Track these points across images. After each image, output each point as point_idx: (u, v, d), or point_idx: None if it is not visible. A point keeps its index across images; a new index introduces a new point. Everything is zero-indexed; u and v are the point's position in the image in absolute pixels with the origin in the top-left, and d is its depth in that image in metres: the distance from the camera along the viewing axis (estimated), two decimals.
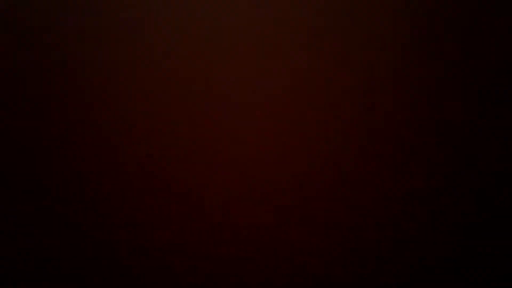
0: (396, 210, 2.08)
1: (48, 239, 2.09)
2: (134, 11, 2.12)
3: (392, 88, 2.10)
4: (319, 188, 2.08)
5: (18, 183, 2.10)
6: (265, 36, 2.11)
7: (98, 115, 2.11)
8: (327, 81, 2.10)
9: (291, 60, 2.11)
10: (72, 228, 2.09)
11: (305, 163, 2.09)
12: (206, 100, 2.11)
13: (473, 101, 2.09)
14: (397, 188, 2.08)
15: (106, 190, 2.10)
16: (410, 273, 2.07)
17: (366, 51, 2.10)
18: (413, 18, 2.10)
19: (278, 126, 2.10)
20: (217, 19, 2.12)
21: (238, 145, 2.10)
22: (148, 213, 2.09)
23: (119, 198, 2.09)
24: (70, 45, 2.12)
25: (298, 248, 2.07)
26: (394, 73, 2.10)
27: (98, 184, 2.10)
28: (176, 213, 2.09)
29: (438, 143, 2.08)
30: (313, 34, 2.11)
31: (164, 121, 2.11)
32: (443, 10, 2.10)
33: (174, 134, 2.10)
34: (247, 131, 2.10)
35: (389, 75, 2.10)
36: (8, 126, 2.11)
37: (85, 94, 2.12)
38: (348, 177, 2.08)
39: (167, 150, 2.10)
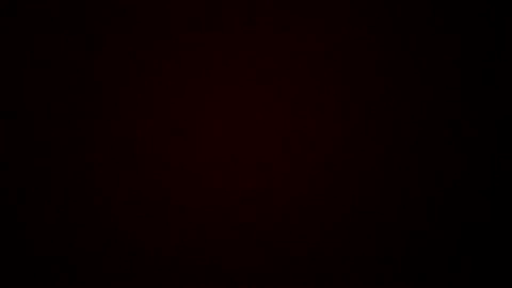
0: (396, 210, 2.08)
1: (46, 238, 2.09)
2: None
3: (393, 87, 2.10)
4: (319, 188, 2.08)
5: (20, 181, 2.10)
6: (264, 36, 2.11)
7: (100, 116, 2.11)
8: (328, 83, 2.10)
9: (291, 60, 2.11)
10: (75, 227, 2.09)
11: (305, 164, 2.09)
12: (204, 102, 2.11)
13: (473, 100, 2.09)
14: (398, 188, 2.08)
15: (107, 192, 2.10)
16: (407, 271, 2.07)
17: (365, 52, 2.10)
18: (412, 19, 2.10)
19: (279, 127, 2.10)
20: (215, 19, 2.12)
21: (237, 146, 2.10)
22: (147, 215, 2.09)
23: (121, 197, 2.09)
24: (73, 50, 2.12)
25: (302, 247, 2.07)
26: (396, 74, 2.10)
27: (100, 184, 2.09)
28: (177, 213, 2.09)
29: (440, 143, 2.08)
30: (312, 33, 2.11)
31: (164, 123, 2.11)
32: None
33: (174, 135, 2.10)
34: (247, 132, 2.10)
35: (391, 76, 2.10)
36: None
37: (84, 93, 2.12)
38: (348, 178, 2.08)
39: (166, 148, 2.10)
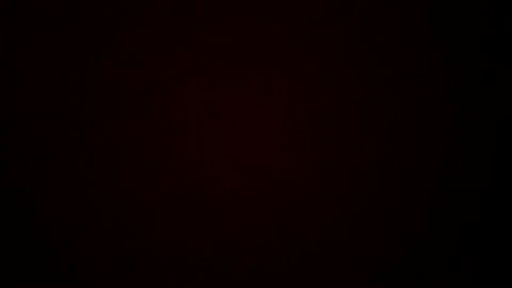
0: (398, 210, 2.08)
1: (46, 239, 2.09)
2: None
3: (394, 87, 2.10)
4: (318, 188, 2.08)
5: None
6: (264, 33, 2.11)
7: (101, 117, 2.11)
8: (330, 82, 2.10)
9: (293, 60, 2.11)
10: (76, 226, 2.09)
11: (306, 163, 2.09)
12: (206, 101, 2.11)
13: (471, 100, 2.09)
14: (398, 187, 2.08)
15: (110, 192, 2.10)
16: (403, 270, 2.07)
17: (365, 52, 2.10)
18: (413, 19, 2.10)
19: (282, 126, 2.10)
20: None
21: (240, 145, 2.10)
22: (151, 213, 2.09)
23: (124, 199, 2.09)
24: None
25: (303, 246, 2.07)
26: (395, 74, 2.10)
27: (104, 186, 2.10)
28: (179, 212, 2.09)
29: (439, 144, 2.08)
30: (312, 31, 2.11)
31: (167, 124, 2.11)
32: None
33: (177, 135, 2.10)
34: (250, 131, 2.10)
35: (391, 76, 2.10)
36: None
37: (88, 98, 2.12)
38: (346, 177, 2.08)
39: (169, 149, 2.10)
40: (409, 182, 2.07)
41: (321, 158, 2.08)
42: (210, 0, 2.12)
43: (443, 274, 2.06)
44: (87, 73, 2.12)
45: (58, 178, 2.10)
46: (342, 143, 2.08)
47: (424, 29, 2.10)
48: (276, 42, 2.11)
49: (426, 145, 2.08)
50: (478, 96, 2.08)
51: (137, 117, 2.10)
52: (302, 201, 2.08)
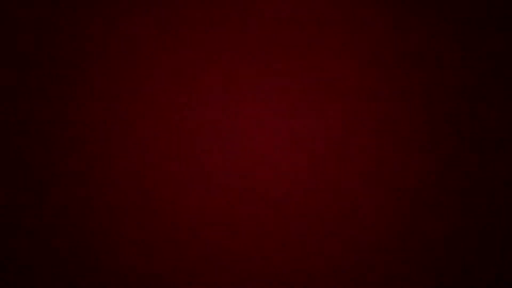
0: (397, 210, 2.08)
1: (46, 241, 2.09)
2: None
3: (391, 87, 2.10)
4: (315, 189, 2.09)
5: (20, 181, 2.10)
6: (266, 34, 2.12)
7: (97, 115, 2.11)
8: (326, 80, 2.11)
9: (291, 59, 2.11)
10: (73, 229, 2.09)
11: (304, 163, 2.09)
12: (205, 99, 2.11)
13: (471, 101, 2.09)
14: (397, 188, 2.08)
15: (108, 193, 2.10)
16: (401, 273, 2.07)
17: (365, 51, 2.11)
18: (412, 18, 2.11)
19: (279, 125, 2.10)
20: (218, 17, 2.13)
21: (237, 144, 2.10)
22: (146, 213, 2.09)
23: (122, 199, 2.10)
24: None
25: (298, 249, 2.08)
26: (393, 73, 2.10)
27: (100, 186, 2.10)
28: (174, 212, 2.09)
29: (437, 144, 2.09)
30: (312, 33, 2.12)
31: (163, 122, 2.11)
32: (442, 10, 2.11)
33: (172, 134, 2.11)
34: (247, 131, 2.10)
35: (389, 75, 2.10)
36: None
37: (83, 93, 2.12)
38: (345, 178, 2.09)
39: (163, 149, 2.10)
40: (409, 182, 2.08)
41: (321, 158, 2.09)
42: (217, 3, 2.13)
43: (443, 274, 2.06)
44: (86, 73, 2.12)
45: (58, 178, 2.10)
46: (342, 143, 2.09)
47: (424, 29, 2.10)
48: (276, 43, 2.12)
49: (426, 145, 2.08)
50: (478, 96, 2.09)
51: (137, 117, 2.11)
52: (302, 201, 2.08)
